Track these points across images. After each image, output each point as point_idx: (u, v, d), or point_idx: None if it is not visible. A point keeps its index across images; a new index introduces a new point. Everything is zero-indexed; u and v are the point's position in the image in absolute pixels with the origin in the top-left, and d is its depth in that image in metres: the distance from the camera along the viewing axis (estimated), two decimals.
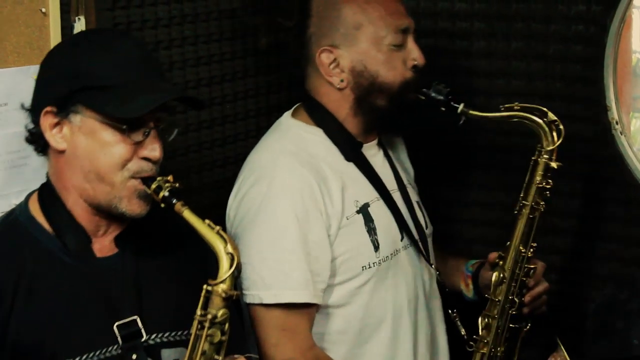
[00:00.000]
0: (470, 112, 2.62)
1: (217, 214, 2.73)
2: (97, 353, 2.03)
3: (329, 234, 2.48)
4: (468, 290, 2.86)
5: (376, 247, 2.56)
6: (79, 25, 2.37)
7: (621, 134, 2.84)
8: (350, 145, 2.62)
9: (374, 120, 2.63)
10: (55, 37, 2.33)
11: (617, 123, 2.84)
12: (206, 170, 2.85)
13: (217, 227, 1.96)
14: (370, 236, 2.55)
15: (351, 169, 2.60)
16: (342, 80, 2.58)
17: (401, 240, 2.64)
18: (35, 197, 2.10)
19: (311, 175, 2.48)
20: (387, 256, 2.58)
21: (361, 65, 2.56)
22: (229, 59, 2.86)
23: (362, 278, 2.54)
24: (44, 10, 2.30)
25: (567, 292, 2.91)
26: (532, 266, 2.69)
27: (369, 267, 2.54)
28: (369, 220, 2.56)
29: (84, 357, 2.00)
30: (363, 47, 2.56)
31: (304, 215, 2.44)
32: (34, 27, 2.29)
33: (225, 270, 1.93)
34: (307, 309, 2.46)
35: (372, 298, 2.57)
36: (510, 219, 2.73)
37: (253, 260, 2.44)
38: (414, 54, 2.60)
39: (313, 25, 2.61)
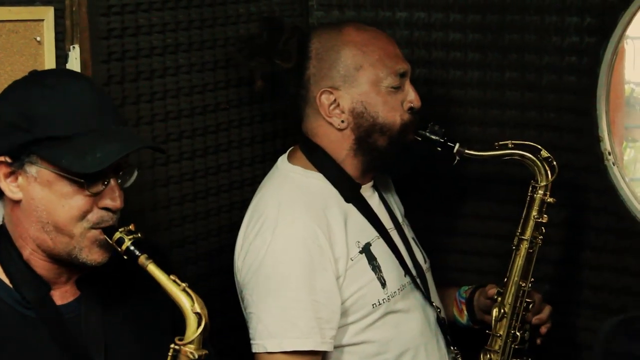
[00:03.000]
0: (466, 151, 2.65)
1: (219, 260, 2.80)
2: None
3: (337, 278, 2.49)
4: (462, 317, 2.87)
5: (383, 284, 2.57)
6: (74, 53, 2.37)
7: (614, 165, 2.84)
8: (349, 187, 2.64)
9: (373, 161, 2.65)
10: (49, 65, 2.33)
11: (609, 154, 2.84)
12: (200, 220, 2.86)
13: (184, 284, 1.90)
14: (375, 274, 2.56)
15: (351, 210, 2.62)
16: (342, 121, 2.60)
17: (404, 276, 2.65)
18: None
19: (314, 221, 2.50)
20: (395, 292, 2.59)
21: (361, 107, 2.58)
22: (223, 87, 2.86)
23: (374, 316, 2.55)
24: (38, 38, 2.30)
25: (559, 322, 2.90)
26: (530, 300, 2.71)
27: (379, 304, 2.55)
28: (372, 259, 2.58)
29: None
30: (363, 89, 2.58)
31: (309, 263, 2.45)
32: (29, 56, 2.29)
33: (192, 330, 1.87)
34: (313, 356, 2.46)
35: (386, 334, 2.57)
36: (504, 248, 2.76)
37: (258, 309, 2.46)
38: (411, 96, 2.64)
39: (312, 67, 2.63)
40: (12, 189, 1.94)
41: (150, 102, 2.62)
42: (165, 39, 2.63)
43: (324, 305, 2.46)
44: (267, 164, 2.78)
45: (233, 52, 2.82)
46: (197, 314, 1.88)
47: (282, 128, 2.98)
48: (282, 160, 2.71)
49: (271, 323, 2.44)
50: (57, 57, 2.34)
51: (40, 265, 2.00)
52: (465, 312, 2.86)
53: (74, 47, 2.37)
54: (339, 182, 2.63)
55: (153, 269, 1.92)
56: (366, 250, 2.59)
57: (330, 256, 2.49)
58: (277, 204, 2.55)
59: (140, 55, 2.57)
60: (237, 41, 2.82)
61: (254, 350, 2.46)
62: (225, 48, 2.83)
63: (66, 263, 2.00)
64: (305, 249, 2.47)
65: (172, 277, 1.91)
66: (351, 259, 2.54)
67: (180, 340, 1.90)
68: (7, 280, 1.99)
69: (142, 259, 1.93)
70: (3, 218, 2.05)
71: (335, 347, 2.51)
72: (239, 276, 2.56)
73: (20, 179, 1.93)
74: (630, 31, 2.83)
